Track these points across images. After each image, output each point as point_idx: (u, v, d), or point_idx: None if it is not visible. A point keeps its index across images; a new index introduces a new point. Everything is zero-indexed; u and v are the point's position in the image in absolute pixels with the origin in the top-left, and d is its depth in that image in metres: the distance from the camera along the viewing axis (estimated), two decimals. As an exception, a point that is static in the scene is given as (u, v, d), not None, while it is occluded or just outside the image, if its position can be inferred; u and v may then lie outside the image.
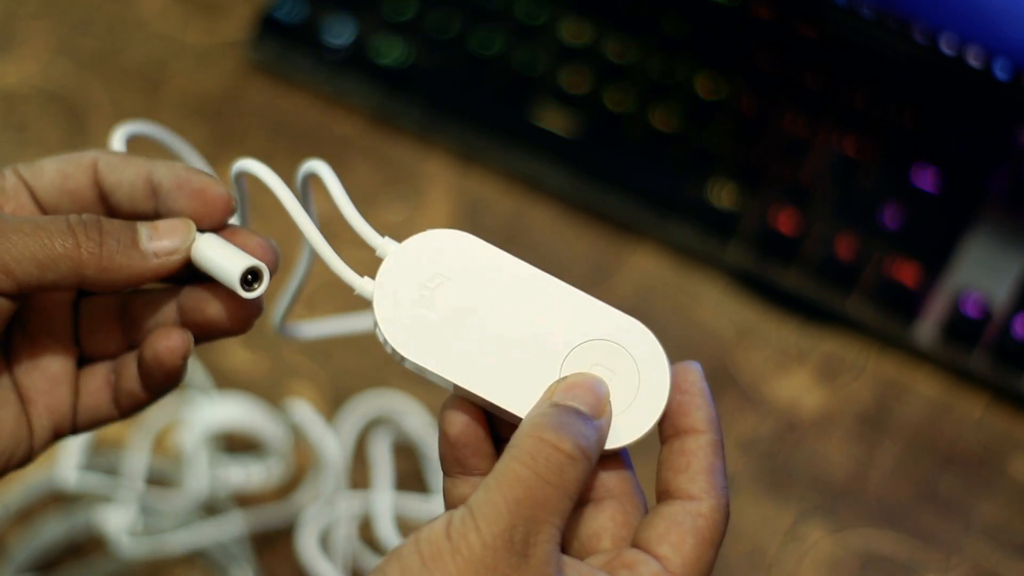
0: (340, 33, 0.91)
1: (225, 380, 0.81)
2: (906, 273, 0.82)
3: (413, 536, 0.44)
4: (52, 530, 0.76)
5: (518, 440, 0.44)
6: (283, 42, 0.91)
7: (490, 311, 0.47)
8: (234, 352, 0.82)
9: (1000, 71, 0.84)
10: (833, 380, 0.82)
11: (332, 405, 0.80)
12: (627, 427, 0.47)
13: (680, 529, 0.45)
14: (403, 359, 0.47)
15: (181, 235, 0.49)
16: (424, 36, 0.91)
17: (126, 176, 0.50)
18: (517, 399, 0.46)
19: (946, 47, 0.85)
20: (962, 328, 0.81)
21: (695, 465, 0.46)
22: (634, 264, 0.86)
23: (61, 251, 0.47)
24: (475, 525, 0.43)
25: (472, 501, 0.44)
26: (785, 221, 0.84)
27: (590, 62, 0.90)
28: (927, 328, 0.82)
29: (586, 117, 0.88)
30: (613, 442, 0.46)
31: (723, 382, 0.82)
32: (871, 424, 0.81)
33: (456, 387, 0.47)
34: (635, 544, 0.46)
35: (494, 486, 0.43)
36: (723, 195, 0.86)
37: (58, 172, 0.51)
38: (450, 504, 0.48)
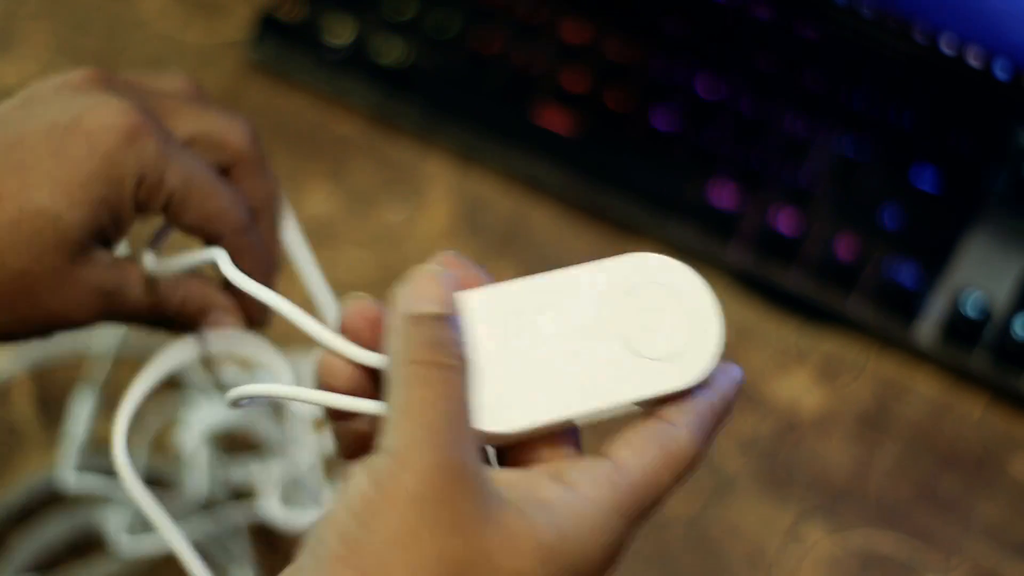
0: (340, 33, 0.91)
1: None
2: (906, 273, 0.83)
3: (337, 500, 0.42)
4: (52, 530, 0.76)
5: (399, 371, 0.43)
6: (283, 42, 0.91)
7: (529, 337, 0.46)
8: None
9: (1000, 71, 0.84)
10: (833, 380, 0.82)
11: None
12: (691, 361, 0.46)
13: (646, 440, 0.44)
14: (506, 435, 0.45)
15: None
16: (424, 36, 0.91)
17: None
18: (606, 393, 0.45)
19: (946, 47, 0.85)
20: (962, 328, 0.81)
21: (688, 405, 0.46)
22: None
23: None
24: (403, 463, 0.41)
25: (386, 443, 0.42)
26: (785, 221, 0.84)
27: (590, 62, 0.90)
28: (927, 328, 0.82)
29: (586, 117, 0.88)
30: (682, 380, 0.46)
31: (723, 382, 0.82)
32: (871, 424, 0.81)
33: (565, 422, 0.45)
34: (550, 438, 0.45)
35: (402, 420, 0.42)
36: (723, 195, 0.86)
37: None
38: (347, 442, 0.47)
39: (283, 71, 0.91)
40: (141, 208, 0.53)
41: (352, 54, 0.91)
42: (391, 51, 0.90)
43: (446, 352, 0.43)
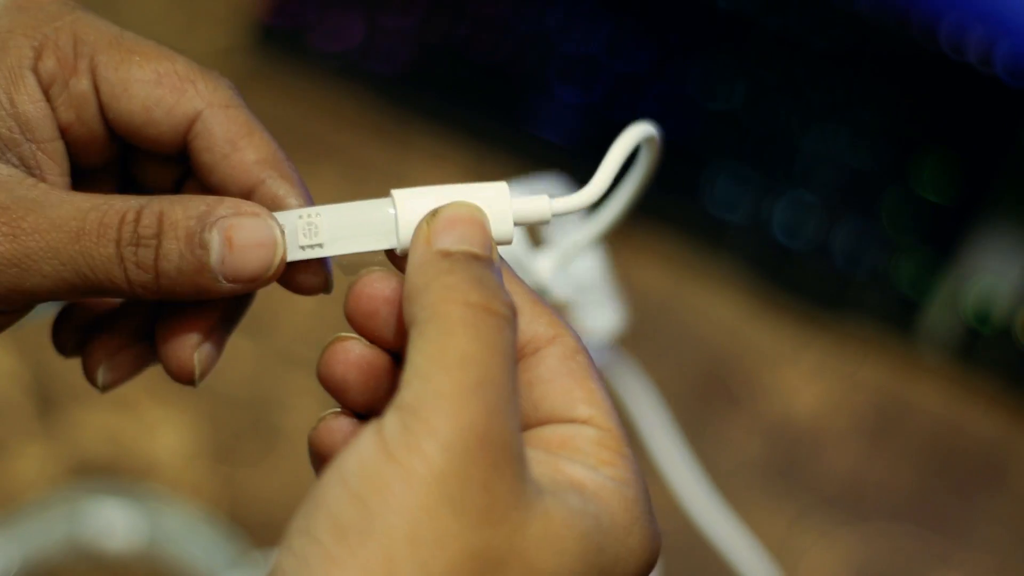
0: (340, 39, 0.91)
1: (224, 380, 0.81)
2: (907, 273, 0.82)
3: (332, 474, 0.32)
4: (52, 530, 0.76)
5: (438, 311, 0.33)
6: (282, 48, 0.91)
7: None
8: (232, 352, 0.82)
9: (1003, 70, 0.84)
10: (833, 380, 0.82)
11: (331, 403, 0.80)
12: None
13: (573, 377, 0.36)
14: None
15: (265, 259, 0.37)
16: (425, 42, 0.91)
17: (229, 166, 0.39)
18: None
19: (950, 46, 0.85)
20: (964, 328, 0.81)
21: (523, 309, 0.37)
22: (633, 265, 0.86)
23: (102, 277, 0.37)
24: (428, 428, 0.31)
25: (406, 400, 0.32)
26: (784, 222, 0.84)
27: (595, 70, 0.89)
28: (929, 328, 0.82)
29: (587, 125, 0.88)
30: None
31: (723, 382, 0.82)
32: (872, 423, 0.81)
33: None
34: (545, 420, 0.36)
35: (434, 370, 0.32)
36: (725, 199, 0.85)
37: (144, 108, 0.38)
38: (326, 452, 0.37)
39: (282, 78, 0.91)
40: (52, 90, 0.39)
41: (352, 60, 0.90)
42: (392, 57, 0.90)
43: (499, 299, 0.34)
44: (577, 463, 0.35)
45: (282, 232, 0.38)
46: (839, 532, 0.78)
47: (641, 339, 0.83)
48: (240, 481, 0.78)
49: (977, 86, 0.85)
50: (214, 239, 0.37)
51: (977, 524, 0.78)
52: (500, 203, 0.38)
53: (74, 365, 0.82)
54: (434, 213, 0.37)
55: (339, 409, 0.38)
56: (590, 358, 0.37)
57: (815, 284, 0.83)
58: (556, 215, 0.39)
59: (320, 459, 0.38)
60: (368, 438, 0.32)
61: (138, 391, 0.81)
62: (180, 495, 0.77)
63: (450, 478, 0.31)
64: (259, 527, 0.77)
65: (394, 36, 0.91)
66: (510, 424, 0.32)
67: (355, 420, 0.38)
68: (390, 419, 0.32)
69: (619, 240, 0.87)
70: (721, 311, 0.84)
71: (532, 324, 0.36)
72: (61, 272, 0.37)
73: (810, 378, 0.82)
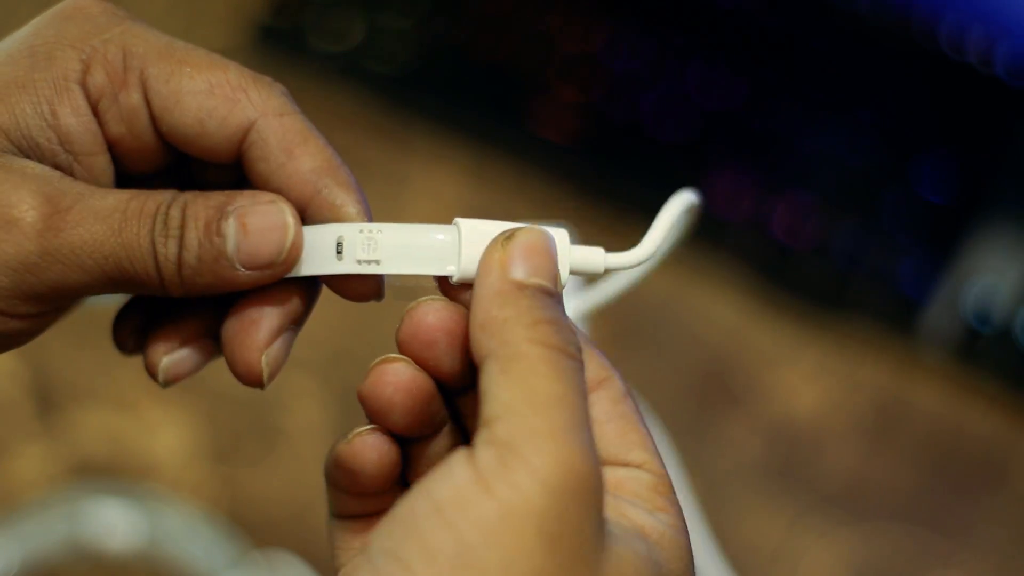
0: (339, 40, 0.91)
1: (221, 381, 0.81)
2: (908, 273, 0.83)
3: (423, 501, 0.32)
4: (52, 530, 0.76)
5: (522, 350, 0.34)
6: (282, 48, 0.91)
7: None
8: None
9: (1003, 70, 0.84)
10: (833, 380, 0.82)
11: (331, 404, 0.80)
12: None
13: (626, 421, 0.37)
14: None
15: (277, 242, 0.38)
16: (425, 42, 0.91)
17: (285, 175, 0.39)
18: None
19: (950, 46, 0.85)
20: (964, 328, 0.81)
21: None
22: (633, 265, 0.86)
23: (139, 269, 0.37)
24: (527, 465, 0.31)
25: (499, 435, 0.32)
26: (784, 222, 0.84)
27: (595, 70, 0.90)
28: (929, 328, 0.82)
29: (588, 127, 0.88)
30: None
31: (722, 382, 0.82)
32: (872, 423, 0.81)
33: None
34: (601, 461, 0.36)
35: (528, 411, 0.32)
36: (722, 198, 0.85)
37: (197, 120, 0.39)
38: (355, 467, 0.38)
39: (280, 80, 0.91)
40: (101, 104, 0.39)
41: (351, 61, 0.90)
42: (391, 58, 0.90)
43: (574, 342, 0.34)
44: (637, 507, 0.35)
45: (294, 216, 0.38)
46: (839, 532, 0.78)
47: (640, 339, 0.83)
48: (240, 481, 0.78)
49: (977, 86, 0.85)
50: (230, 227, 0.37)
51: (977, 524, 0.78)
52: (559, 248, 0.38)
53: (74, 365, 0.83)
54: (508, 237, 0.36)
55: (372, 427, 0.38)
56: (636, 403, 0.37)
57: (815, 284, 0.83)
58: (609, 269, 0.40)
59: (344, 472, 0.38)
60: (462, 469, 0.32)
61: (138, 391, 0.81)
62: (180, 495, 0.77)
63: (548, 516, 0.31)
64: (259, 527, 0.77)
65: (394, 36, 0.91)
66: (597, 466, 0.33)
67: (389, 440, 0.38)
68: (484, 452, 0.32)
69: (618, 241, 0.87)
70: (721, 311, 0.85)
71: (586, 367, 0.36)
72: (103, 266, 0.37)
73: (810, 378, 0.82)
